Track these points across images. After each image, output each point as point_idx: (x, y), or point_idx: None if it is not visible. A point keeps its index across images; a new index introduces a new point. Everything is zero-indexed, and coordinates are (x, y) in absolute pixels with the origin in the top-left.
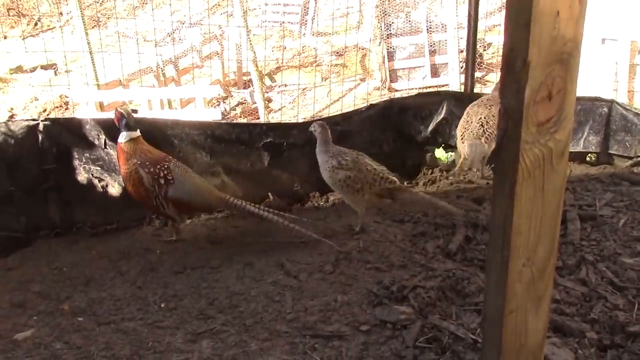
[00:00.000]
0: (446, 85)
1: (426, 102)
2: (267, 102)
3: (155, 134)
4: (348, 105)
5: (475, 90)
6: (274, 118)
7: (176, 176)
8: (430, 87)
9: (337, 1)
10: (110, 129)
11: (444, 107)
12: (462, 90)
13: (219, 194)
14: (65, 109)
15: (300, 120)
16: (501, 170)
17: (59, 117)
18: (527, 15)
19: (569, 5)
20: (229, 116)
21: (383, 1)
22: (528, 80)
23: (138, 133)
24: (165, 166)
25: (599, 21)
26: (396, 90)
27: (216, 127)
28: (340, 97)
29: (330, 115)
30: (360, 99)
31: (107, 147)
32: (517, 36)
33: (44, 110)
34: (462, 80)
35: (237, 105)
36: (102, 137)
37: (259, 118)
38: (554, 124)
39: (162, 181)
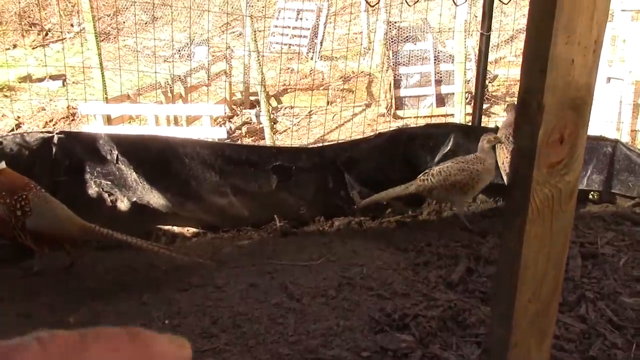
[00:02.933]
0: (451, 115)
1: (433, 133)
2: (272, 123)
3: (167, 151)
4: (354, 131)
5: (482, 123)
6: (279, 139)
7: (34, 207)
8: (435, 115)
9: (346, 26)
10: (124, 144)
11: (451, 139)
12: (469, 123)
13: (84, 224)
14: (72, 120)
15: (310, 145)
16: (512, 207)
17: (73, 130)
18: (544, 62)
19: (583, 54)
20: (234, 135)
21: (391, 29)
22: (542, 124)
23: (3, 165)
24: (23, 196)
25: (605, 60)
26: (401, 118)
27: (226, 147)
28: (345, 122)
29: (339, 141)
30: (366, 125)
31: (119, 162)
32: (532, 81)
33: (51, 120)
34: (468, 110)
35: (242, 124)
36: (115, 152)
37: (264, 139)
38: (564, 166)
39: (18, 212)
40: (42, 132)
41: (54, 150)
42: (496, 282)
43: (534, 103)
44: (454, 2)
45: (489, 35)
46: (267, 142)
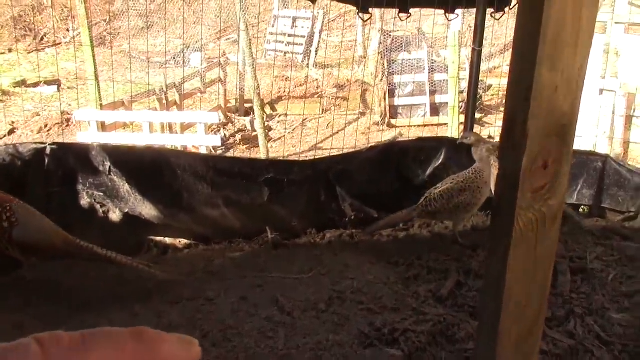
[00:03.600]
0: (445, 124)
1: (425, 146)
2: (267, 130)
3: (160, 162)
4: (348, 139)
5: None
6: (273, 147)
7: (20, 218)
8: (429, 125)
9: (341, 34)
10: (116, 156)
11: (443, 153)
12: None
13: (67, 237)
14: (66, 126)
15: (302, 158)
16: (497, 231)
17: (66, 141)
18: (528, 89)
19: (567, 82)
20: (228, 142)
21: (386, 38)
22: (526, 150)
23: None
24: (8, 207)
25: (597, 72)
26: (395, 127)
27: (219, 160)
28: (339, 130)
29: (331, 154)
30: (360, 134)
31: (112, 173)
32: (517, 107)
33: (46, 126)
34: (461, 120)
35: (237, 132)
36: (108, 163)
37: (258, 146)
38: (548, 191)
39: (5, 224)
40: (35, 143)
41: (46, 161)
42: (481, 305)
43: (518, 129)
44: (446, 17)
45: (481, 50)
46: (261, 149)
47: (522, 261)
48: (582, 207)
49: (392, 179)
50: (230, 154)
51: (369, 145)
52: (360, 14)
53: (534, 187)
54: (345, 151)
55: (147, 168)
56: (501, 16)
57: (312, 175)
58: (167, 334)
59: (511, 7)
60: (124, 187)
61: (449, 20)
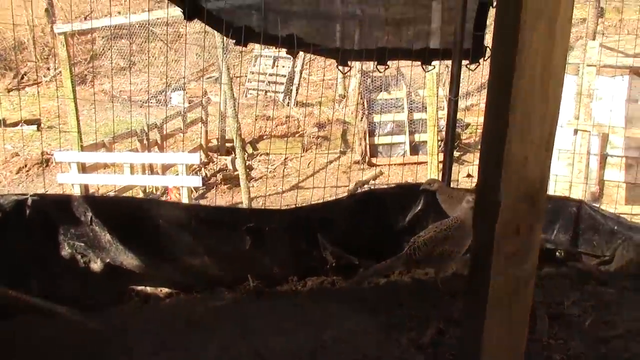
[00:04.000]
0: (424, 162)
1: (404, 194)
2: (248, 170)
3: (142, 212)
4: (329, 180)
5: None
6: (255, 186)
7: None
8: (408, 163)
9: (322, 73)
10: (98, 206)
11: (422, 200)
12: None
13: (3, 289)
14: (46, 166)
15: (283, 197)
16: (472, 293)
17: (47, 192)
18: (499, 160)
19: (536, 151)
20: (209, 182)
21: (365, 79)
22: (499, 216)
23: None
24: None
25: (571, 113)
26: (376, 165)
27: (201, 209)
28: (320, 169)
29: (312, 203)
30: (341, 172)
31: (93, 223)
32: (489, 176)
33: (25, 166)
34: (440, 158)
35: (218, 171)
36: (89, 213)
37: (239, 186)
38: (521, 256)
39: None
40: (16, 194)
41: (27, 212)
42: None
43: (490, 197)
44: (423, 69)
45: (457, 100)
46: (242, 189)
47: (498, 321)
48: (559, 251)
49: (372, 226)
50: (211, 193)
51: (349, 194)
52: (340, 67)
53: (507, 252)
54: (327, 190)
55: (128, 218)
56: (476, 67)
57: (293, 224)
58: None
59: (485, 58)
60: (105, 237)
61: (426, 72)
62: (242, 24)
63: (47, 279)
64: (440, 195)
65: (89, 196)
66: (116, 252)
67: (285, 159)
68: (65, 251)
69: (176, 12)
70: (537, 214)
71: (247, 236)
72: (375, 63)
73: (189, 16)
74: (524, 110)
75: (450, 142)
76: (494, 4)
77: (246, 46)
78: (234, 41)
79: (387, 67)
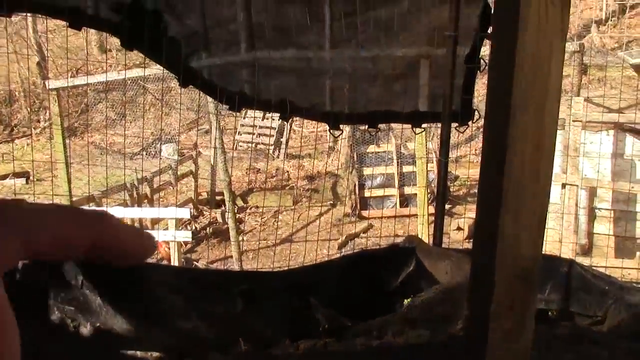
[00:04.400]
0: (414, 215)
1: (396, 254)
2: (238, 223)
3: (133, 275)
4: (321, 233)
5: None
6: (245, 240)
7: None
8: (399, 216)
9: (311, 125)
10: (89, 269)
11: (414, 260)
12: (431, 244)
13: None
14: None
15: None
16: None
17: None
18: (493, 239)
19: (529, 230)
20: (199, 235)
21: (355, 132)
22: (493, 295)
23: None
24: None
25: (558, 167)
26: (366, 218)
27: (192, 272)
28: (311, 222)
29: (304, 264)
30: (332, 225)
31: (84, 287)
32: (482, 255)
33: None
34: (431, 210)
35: (208, 224)
36: (80, 277)
37: (229, 239)
38: (515, 332)
39: None
40: None
41: (17, 275)
42: None
43: (484, 276)
44: (413, 131)
45: (447, 161)
46: (232, 243)
47: None
48: (551, 311)
49: (364, 287)
50: (201, 247)
51: (340, 255)
52: (332, 131)
53: (503, 329)
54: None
55: (119, 281)
56: (465, 129)
57: (286, 286)
58: (128, 225)
59: (474, 120)
60: (96, 301)
61: (415, 134)
62: (236, 88)
63: (35, 344)
64: (419, 252)
65: (81, 259)
66: (106, 315)
67: (276, 211)
68: (55, 315)
69: None
70: (531, 291)
71: (239, 299)
72: (367, 126)
73: (183, 83)
74: (516, 188)
75: (441, 203)
76: (482, 69)
77: (240, 111)
78: (227, 107)
79: (378, 130)
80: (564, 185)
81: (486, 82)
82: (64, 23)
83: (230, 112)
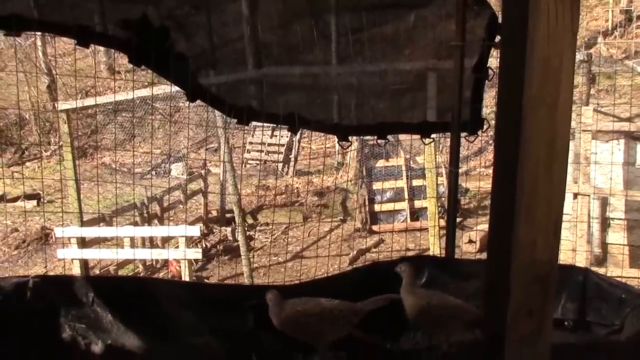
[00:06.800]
0: (425, 229)
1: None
2: (248, 240)
3: (144, 292)
4: (331, 249)
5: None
6: (256, 257)
7: None
8: (410, 230)
9: (320, 140)
10: (100, 286)
11: (426, 272)
12: (443, 255)
13: None
14: (46, 242)
15: (286, 269)
16: None
17: (49, 274)
18: (508, 244)
19: (544, 234)
20: (209, 253)
21: (364, 146)
22: (510, 301)
23: None
24: None
25: (570, 177)
26: (377, 233)
27: (203, 287)
28: (321, 237)
29: (315, 278)
30: (342, 240)
31: (95, 304)
32: (499, 261)
33: (24, 242)
34: (442, 223)
35: (218, 242)
36: (91, 294)
37: (240, 256)
38: (534, 337)
39: None
40: (17, 277)
41: (28, 294)
42: None
43: (502, 282)
44: (422, 141)
45: (458, 172)
46: (243, 260)
47: None
48: (567, 321)
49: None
50: (212, 264)
51: (352, 268)
52: (341, 142)
53: (521, 335)
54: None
55: (130, 298)
56: (474, 139)
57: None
58: None
59: (483, 130)
60: (107, 318)
61: (425, 144)
62: (244, 103)
63: None
64: (404, 280)
65: (91, 277)
66: (117, 332)
67: (286, 228)
68: (66, 333)
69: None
70: (547, 295)
71: (250, 314)
72: (375, 138)
73: (192, 97)
74: (530, 192)
75: (452, 214)
76: (490, 78)
77: (248, 125)
78: (236, 120)
79: (387, 140)
80: (575, 195)
81: (494, 93)
82: (73, 46)
83: (239, 128)
